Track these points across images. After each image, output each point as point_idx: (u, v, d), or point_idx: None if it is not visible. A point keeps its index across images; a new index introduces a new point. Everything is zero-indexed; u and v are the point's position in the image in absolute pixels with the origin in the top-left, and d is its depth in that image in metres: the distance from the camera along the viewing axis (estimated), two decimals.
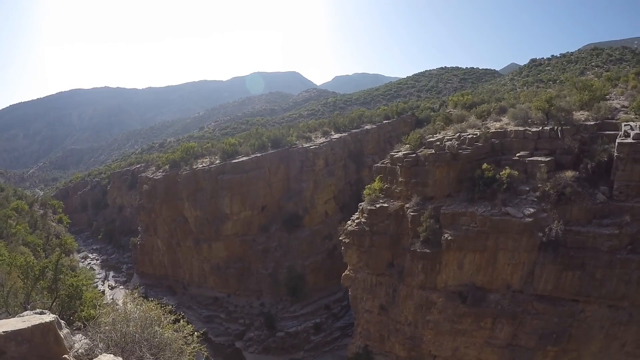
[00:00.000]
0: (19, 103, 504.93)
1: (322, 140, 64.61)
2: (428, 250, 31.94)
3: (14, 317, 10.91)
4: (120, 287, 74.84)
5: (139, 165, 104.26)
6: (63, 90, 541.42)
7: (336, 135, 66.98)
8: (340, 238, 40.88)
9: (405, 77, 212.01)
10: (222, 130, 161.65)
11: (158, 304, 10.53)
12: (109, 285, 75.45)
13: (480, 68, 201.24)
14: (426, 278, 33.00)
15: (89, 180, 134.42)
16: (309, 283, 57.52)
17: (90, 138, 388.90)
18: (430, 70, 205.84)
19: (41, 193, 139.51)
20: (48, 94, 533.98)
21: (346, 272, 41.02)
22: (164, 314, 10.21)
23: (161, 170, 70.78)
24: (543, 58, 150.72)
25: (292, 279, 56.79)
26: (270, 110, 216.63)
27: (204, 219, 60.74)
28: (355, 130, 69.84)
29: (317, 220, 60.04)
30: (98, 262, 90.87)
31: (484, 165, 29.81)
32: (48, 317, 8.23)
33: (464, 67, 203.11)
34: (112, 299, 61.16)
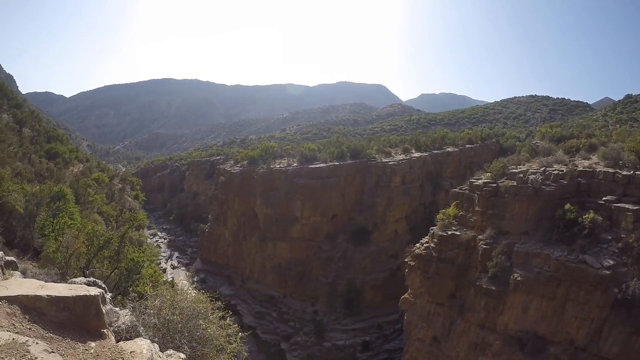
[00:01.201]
0: (113, 84, 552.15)
1: (402, 157, 64.37)
2: (494, 288, 30.49)
3: (65, 282, 11.95)
4: (182, 268, 78.56)
5: (218, 157, 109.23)
6: (155, 78, 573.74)
7: (416, 154, 66.41)
8: (405, 260, 40.39)
9: (492, 101, 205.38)
10: (303, 135, 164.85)
11: (209, 297, 10.47)
12: (171, 265, 79.13)
13: (572, 100, 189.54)
14: (487, 317, 31.46)
15: (169, 164, 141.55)
16: (366, 299, 57.50)
17: (175, 125, 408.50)
18: (519, 97, 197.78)
19: (123, 169, 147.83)
20: (141, 80, 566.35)
21: (406, 295, 40.52)
22: (212, 309, 10.08)
23: (239, 165, 73.89)
24: None
25: (350, 292, 57.03)
26: (353, 121, 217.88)
27: (274, 218, 62.64)
28: (436, 151, 68.85)
29: (385, 238, 59.80)
30: (165, 241, 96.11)
31: (567, 206, 28.26)
32: (94, 291, 8.54)
33: (555, 97, 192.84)
34: (172, 278, 63.85)
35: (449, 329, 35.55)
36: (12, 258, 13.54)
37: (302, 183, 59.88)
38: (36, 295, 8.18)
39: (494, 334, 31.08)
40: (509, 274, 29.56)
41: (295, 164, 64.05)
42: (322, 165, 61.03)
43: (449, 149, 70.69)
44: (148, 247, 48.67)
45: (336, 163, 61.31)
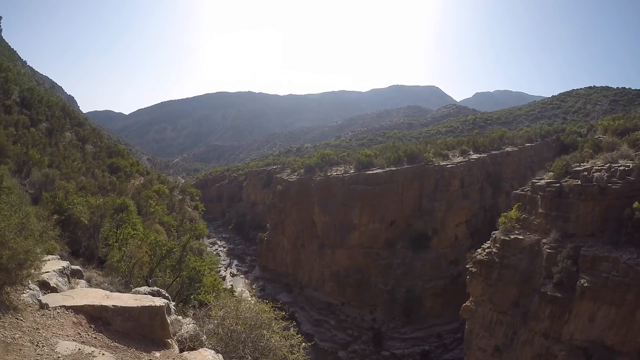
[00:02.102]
0: (169, 100, 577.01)
1: (460, 159, 63.41)
2: (559, 295, 29.61)
3: (130, 292, 12.25)
4: (241, 276, 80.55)
5: (275, 167, 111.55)
6: (210, 92, 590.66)
7: (474, 156, 65.24)
8: (467, 266, 39.89)
9: (549, 96, 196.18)
10: (358, 141, 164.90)
11: (272, 306, 10.44)
12: (230, 273, 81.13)
13: (634, 89, 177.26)
14: (551, 326, 30.48)
15: (227, 174, 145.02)
16: (426, 307, 57.00)
17: (232, 137, 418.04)
18: (577, 89, 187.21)
19: (182, 181, 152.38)
20: (196, 95, 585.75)
21: (467, 303, 39.92)
22: (275, 319, 10.13)
23: (296, 174, 75.27)
24: None
25: (410, 299, 56.69)
26: (408, 125, 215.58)
27: (332, 225, 63.33)
28: (494, 152, 67.54)
29: (445, 243, 59.06)
30: (225, 249, 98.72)
31: (635, 204, 27.11)
32: (159, 302, 8.90)
33: (615, 87, 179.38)
34: (231, 285, 65.27)
35: (512, 339, 34.78)
36: (78, 267, 14.06)
37: (359, 190, 60.36)
38: (102, 305, 8.66)
39: (559, 344, 30.11)
40: (575, 279, 28.72)
41: (352, 171, 64.68)
42: (379, 171, 61.28)
43: (507, 149, 69.32)
44: (208, 255, 50.07)
45: (393, 168, 61.31)
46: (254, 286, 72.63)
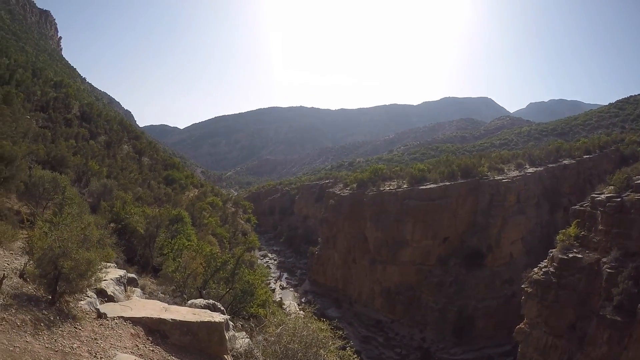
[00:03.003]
0: (223, 115, 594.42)
1: (515, 173, 62.00)
2: (619, 319, 28.29)
3: (186, 304, 12.09)
4: (290, 289, 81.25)
5: (327, 181, 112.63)
6: (262, 107, 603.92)
7: (531, 169, 63.62)
8: (522, 286, 38.87)
9: (606, 104, 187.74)
10: (410, 155, 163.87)
11: (329, 324, 10.33)
12: (280, 285, 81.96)
13: None
14: (609, 352, 29.03)
15: (279, 188, 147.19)
16: (477, 328, 55.57)
17: (284, 151, 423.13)
18: (635, 95, 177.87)
19: (235, 193, 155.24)
20: (249, 110, 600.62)
21: (521, 325, 38.75)
22: (332, 338, 10.01)
23: (348, 188, 75.65)
24: None
25: (461, 319, 55.56)
26: (461, 138, 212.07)
27: (384, 241, 63.17)
28: (551, 165, 65.54)
29: (499, 261, 57.53)
30: (275, 262, 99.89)
31: None
32: (218, 317, 9.20)
33: None
34: (280, 298, 65.78)
35: None
36: (133, 275, 14.99)
37: (412, 205, 60.04)
38: (160, 318, 9.01)
39: None
40: (637, 302, 27.43)
41: (405, 186, 64.44)
42: (432, 185, 60.82)
43: (565, 162, 66.94)
44: (259, 267, 50.83)
45: (447, 183, 60.62)
46: (302, 299, 73.19)
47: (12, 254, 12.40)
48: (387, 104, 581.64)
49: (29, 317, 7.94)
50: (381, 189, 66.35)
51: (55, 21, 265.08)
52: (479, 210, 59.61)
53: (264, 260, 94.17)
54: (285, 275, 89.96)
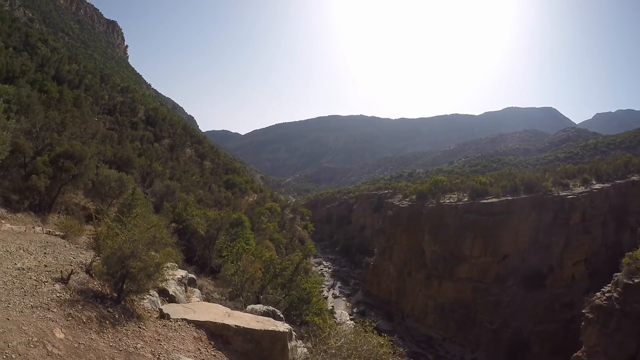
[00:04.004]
0: (283, 123, 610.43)
1: (581, 189, 58.23)
2: None
3: (246, 309, 12.52)
4: (343, 298, 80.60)
5: (386, 191, 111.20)
6: (322, 115, 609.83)
7: (597, 185, 59.62)
8: (583, 311, 36.38)
9: None
10: (471, 167, 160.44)
11: (389, 340, 10.41)
12: (333, 294, 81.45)
13: None
14: None
15: (338, 196, 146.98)
16: (532, 352, 52.47)
17: (343, 160, 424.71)
18: None
19: (293, 200, 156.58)
20: (309, 117, 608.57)
21: (578, 353, 35.88)
22: (392, 355, 10.06)
23: (407, 199, 74.44)
24: None
25: (516, 342, 52.69)
26: (524, 150, 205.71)
27: (441, 255, 61.56)
28: (619, 181, 61.20)
29: (560, 283, 54.16)
30: (329, 270, 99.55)
31: None
32: (282, 327, 9.23)
33: None
34: (332, 307, 65.25)
35: None
36: (193, 275, 15.34)
37: (472, 219, 58.11)
38: (224, 323, 9.05)
39: None
40: None
41: (465, 199, 62.53)
42: (494, 200, 58.51)
43: (633, 178, 61.88)
44: (313, 274, 50.64)
45: (509, 198, 58.02)
46: (354, 310, 72.38)
47: (77, 247, 13.07)
48: (448, 114, 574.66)
49: (94, 314, 8.25)
50: (441, 201, 64.78)
51: (122, 31, 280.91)
52: (542, 228, 56.35)
53: (319, 268, 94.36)
54: (338, 284, 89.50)
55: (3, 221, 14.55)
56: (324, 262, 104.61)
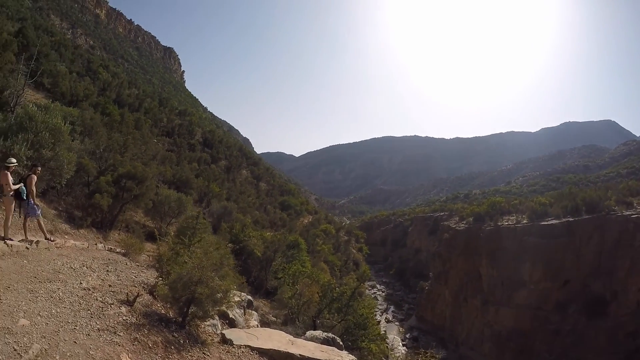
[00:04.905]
0: (337, 144, 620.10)
1: None
2: None
3: (307, 337, 12.23)
4: (396, 323, 78.83)
5: (442, 213, 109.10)
6: (376, 137, 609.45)
7: None
8: None
9: None
10: (530, 187, 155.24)
11: None
12: (385, 319, 79.79)
13: None
14: None
15: (392, 218, 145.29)
16: None
17: (398, 181, 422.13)
18: None
19: (348, 222, 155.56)
20: (363, 139, 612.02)
21: None
22: None
23: (464, 222, 72.37)
24: None
25: None
26: (584, 167, 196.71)
27: (499, 280, 59.00)
28: None
29: (625, 311, 49.55)
30: (383, 294, 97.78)
31: None
32: (347, 357, 9.19)
33: None
34: (385, 331, 63.99)
35: None
36: (250, 297, 15.64)
37: (532, 242, 55.26)
38: (288, 352, 9.07)
39: None
40: None
41: (524, 221, 59.64)
42: (554, 221, 55.40)
43: None
44: (367, 298, 49.94)
45: (570, 219, 54.58)
46: (407, 335, 70.56)
47: (138, 266, 13.51)
48: (504, 132, 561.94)
49: (160, 338, 8.37)
50: (499, 223, 62.13)
51: (179, 56, 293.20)
52: (605, 251, 52.49)
53: (372, 291, 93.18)
54: (391, 308, 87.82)
55: (67, 237, 15.35)
56: (378, 286, 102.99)
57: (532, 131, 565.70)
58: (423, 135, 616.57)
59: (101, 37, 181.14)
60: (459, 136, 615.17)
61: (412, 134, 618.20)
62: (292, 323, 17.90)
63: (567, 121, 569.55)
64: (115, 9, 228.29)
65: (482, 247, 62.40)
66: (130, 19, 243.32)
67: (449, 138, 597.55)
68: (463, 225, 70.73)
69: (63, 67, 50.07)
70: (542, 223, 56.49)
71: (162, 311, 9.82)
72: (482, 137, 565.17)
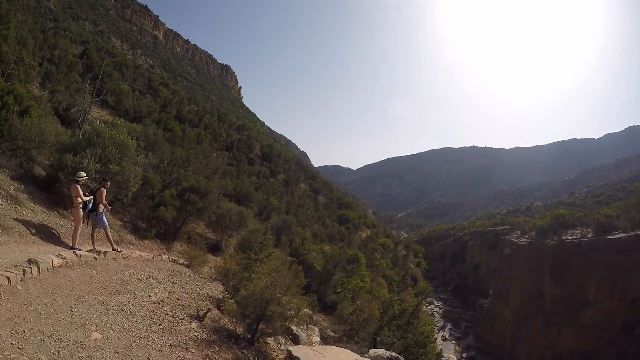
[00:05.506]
0: (395, 157, 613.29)
1: None
2: None
3: (370, 356, 12.31)
4: (453, 341, 76.50)
5: (503, 227, 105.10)
6: (434, 148, 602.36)
7: None
8: None
9: None
10: (594, 198, 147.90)
11: None
12: (442, 337, 77.45)
13: None
14: None
15: (451, 233, 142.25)
16: None
17: (457, 194, 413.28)
18: None
19: (406, 236, 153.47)
20: (420, 151, 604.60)
21: None
22: None
23: (526, 236, 69.58)
24: None
25: None
26: None
27: (562, 299, 55.78)
28: None
29: None
30: (440, 311, 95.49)
31: None
32: None
33: None
34: (441, 349, 62.13)
35: None
36: (309, 311, 15.81)
37: (597, 258, 51.98)
38: None
39: None
40: None
41: (590, 235, 56.27)
42: (621, 235, 51.93)
43: None
44: (424, 315, 48.74)
45: (638, 232, 51.09)
46: (464, 354, 68.42)
47: (202, 278, 13.84)
48: (565, 140, 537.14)
49: (230, 355, 8.41)
50: (563, 238, 58.90)
51: (235, 73, 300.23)
52: None
53: (429, 308, 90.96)
54: (449, 326, 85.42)
55: (132, 247, 15.88)
56: (435, 302, 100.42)
57: (595, 137, 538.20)
58: (482, 145, 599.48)
59: (160, 56, 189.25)
60: (519, 145, 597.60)
61: (471, 145, 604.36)
62: (351, 339, 17.77)
63: (632, 125, 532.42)
64: (172, 30, 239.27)
65: (544, 263, 59.29)
66: (187, 39, 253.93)
67: (508, 148, 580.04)
68: (525, 239, 67.90)
69: (126, 85, 52.66)
70: (609, 237, 52.87)
71: (230, 326, 9.88)
72: (543, 145, 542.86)
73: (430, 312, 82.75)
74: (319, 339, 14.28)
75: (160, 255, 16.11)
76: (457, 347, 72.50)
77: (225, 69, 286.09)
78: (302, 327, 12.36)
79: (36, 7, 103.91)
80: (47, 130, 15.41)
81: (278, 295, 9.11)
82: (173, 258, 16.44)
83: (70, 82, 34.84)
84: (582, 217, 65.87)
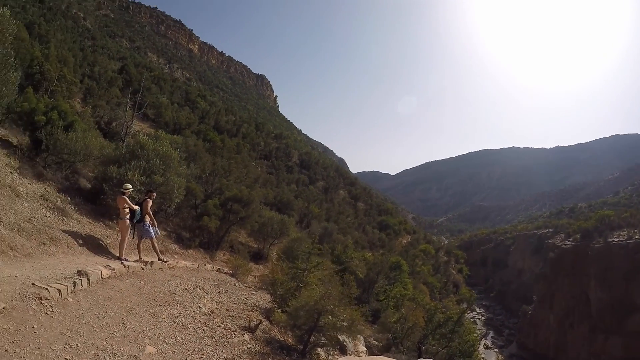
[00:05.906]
0: (434, 161, 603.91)
1: None
2: None
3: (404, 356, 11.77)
4: (495, 349, 74.32)
5: (546, 230, 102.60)
6: (473, 151, 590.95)
7: None
8: None
9: None
10: None
11: None
12: (484, 345, 75.24)
13: None
14: None
15: (493, 237, 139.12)
16: None
17: (497, 196, 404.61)
18: None
19: (446, 241, 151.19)
20: (459, 154, 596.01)
21: None
22: None
23: (571, 239, 67.77)
24: None
25: None
26: None
27: (609, 304, 53.91)
28: None
29: None
30: (482, 318, 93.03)
31: None
32: None
33: None
34: (483, 358, 60.44)
35: None
36: (364, 323, 14.88)
37: None
38: None
39: None
40: None
41: (637, 236, 54.74)
42: None
43: None
44: (466, 322, 47.74)
45: None
46: None
47: (246, 287, 13.85)
48: (608, 136, 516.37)
49: None
50: (609, 240, 57.16)
51: (270, 83, 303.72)
52: None
53: (471, 315, 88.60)
54: (491, 333, 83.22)
55: (176, 256, 16.07)
56: (477, 309, 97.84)
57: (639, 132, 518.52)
58: (521, 145, 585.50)
59: (196, 69, 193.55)
60: (559, 144, 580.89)
61: (510, 145, 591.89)
62: (395, 348, 17.65)
63: None
64: (206, 42, 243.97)
65: (590, 267, 57.47)
66: (222, 51, 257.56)
67: (549, 147, 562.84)
68: (569, 242, 66.00)
69: (164, 98, 53.70)
70: None
71: (280, 337, 9.89)
72: (585, 143, 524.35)
73: (472, 320, 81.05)
74: (365, 349, 14.19)
75: (205, 265, 16.32)
76: (500, 356, 70.35)
77: (261, 79, 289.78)
78: (349, 336, 12.14)
79: (74, 26, 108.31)
80: (92, 143, 15.88)
81: (331, 306, 9.05)
82: (217, 267, 16.52)
83: (110, 97, 35.87)
84: (629, 217, 63.57)
